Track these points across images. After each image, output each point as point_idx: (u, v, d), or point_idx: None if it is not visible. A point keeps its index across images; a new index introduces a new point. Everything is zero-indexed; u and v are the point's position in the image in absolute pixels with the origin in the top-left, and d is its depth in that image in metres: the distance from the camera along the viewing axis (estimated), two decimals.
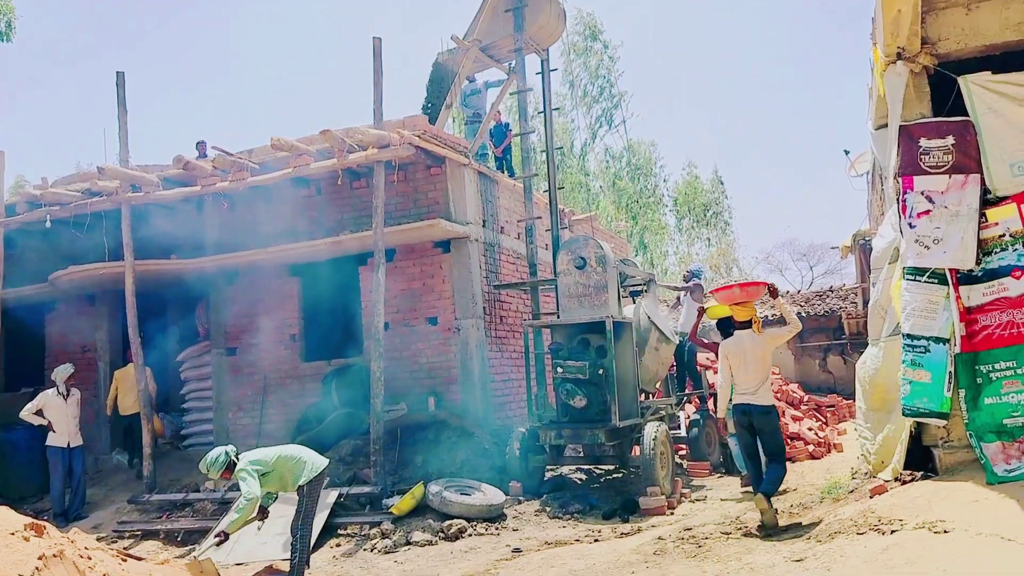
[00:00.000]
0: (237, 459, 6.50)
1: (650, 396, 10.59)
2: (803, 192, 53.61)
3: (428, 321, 10.60)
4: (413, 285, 10.70)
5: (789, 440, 10.79)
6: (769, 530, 6.35)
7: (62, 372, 10.32)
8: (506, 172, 12.99)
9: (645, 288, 11.07)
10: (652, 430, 8.64)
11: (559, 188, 11.78)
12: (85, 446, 10.60)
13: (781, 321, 13.13)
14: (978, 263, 5.99)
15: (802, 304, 19.15)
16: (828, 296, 19.71)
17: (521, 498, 8.73)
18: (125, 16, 59.65)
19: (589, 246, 9.53)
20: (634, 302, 10.58)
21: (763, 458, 6.80)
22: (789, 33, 56.39)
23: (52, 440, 10.12)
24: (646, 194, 31.78)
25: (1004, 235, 5.99)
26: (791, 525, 6.54)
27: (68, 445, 10.14)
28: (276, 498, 6.93)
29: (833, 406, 13.34)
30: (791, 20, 56.78)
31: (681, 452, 10.71)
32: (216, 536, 6.61)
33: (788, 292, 22.20)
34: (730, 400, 6.86)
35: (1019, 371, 5.81)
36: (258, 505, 6.37)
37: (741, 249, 35.76)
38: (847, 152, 13.43)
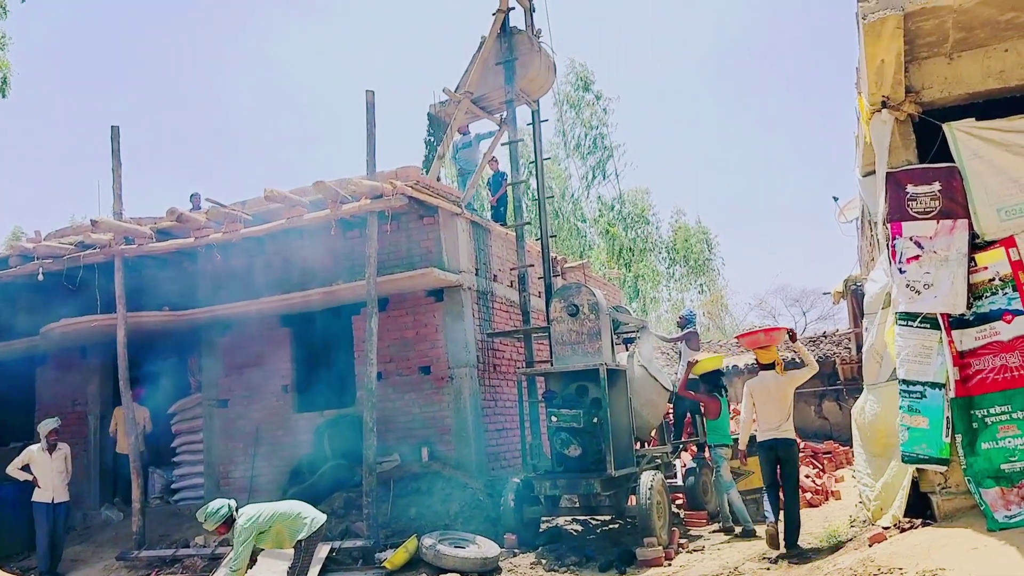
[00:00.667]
0: (237, 515, 6.41)
1: (645, 444, 10.50)
2: (794, 238, 54.06)
3: (421, 370, 10.55)
4: (406, 334, 10.67)
5: None
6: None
7: (45, 427, 10.19)
8: (504, 221, 13.08)
9: (639, 335, 11.08)
10: (648, 479, 8.54)
11: (551, 236, 11.86)
12: (73, 502, 10.42)
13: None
14: (969, 307, 6.01)
15: (796, 350, 19.12)
16: (822, 342, 19.67)
17: (516, 550, 8.58)
18: (120, 70, 60.52)
19: (582, 293, 9.53)
20: (627, 349, 10.56)
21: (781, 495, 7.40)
22: (776, 80, 57.48)
23: (37, 496, 9.95)
24: (639, 242, 31.95)
25: (994, 279, 6.02)
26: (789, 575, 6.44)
27: (52, 500, 9.96)
28: (263, 550, 6.81)
29: (830, 453, 13.23)
30: (778, 67, 57.93)
31: (678, 501, 10.58)
32: None
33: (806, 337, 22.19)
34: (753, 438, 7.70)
35: (1015, 415, 5.79)
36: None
37: (733, 295, 35.92)
38: (836, 199, 13.54)
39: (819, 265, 54.08)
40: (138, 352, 10.98)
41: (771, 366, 7.59)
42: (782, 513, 7.34)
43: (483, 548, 8.16)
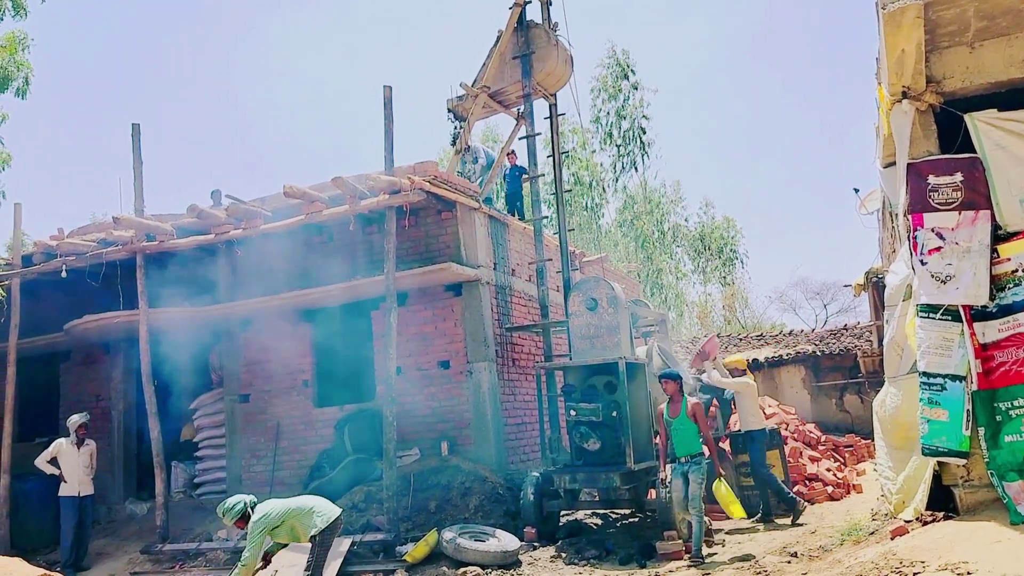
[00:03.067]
0: (253, 510, 6.50)
1: None
2: (815, 230, 53.55)
3: (440, 365, 10.59)
4: (425, 329, 10.72)
5: (807, 481, 10.63)
6: None
7: (74, 421, 10.34)
8: (522, 215, 13.08)
9: (657, 328, 11.06)
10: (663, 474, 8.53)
11: (569, 230, 11.84)
12: (98, 495, 10.56)
13: (794, 360, 13.46)
14: (992, 299, 5.93)
15: (816, 343, 18.99)
16: (843, 334, 19.53)
17: (536, 544, 8.61)
18: (140, 68, 60.99)
19: (600, 287, 9.54)
20: (646, 343, 10.55)
21: None
22: (797, 71, 56.96)
23: (64, 490, 10.11)
24: (665, 235, 31.71)
25: (1017, 270, 5.95)
26: (810, 569, 6.41)
27: (79, 494, 10.12)
28: (286, 544, 6.88)
29: (851, 446, 13.13)
30: (799, 58, 57.39)
31: None
32: None
33: (803, 331, 22.04)
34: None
35: None
36: (255, 569, 6.39)
37: (754, 288, 35.67)
38: (857, 190, 13.43)
39: (840, 257, 53.46)
40: (161, 347, 11.11)
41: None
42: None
43: (503, 541, 8.19)
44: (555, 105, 11.88)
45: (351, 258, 11.00)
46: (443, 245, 10.65)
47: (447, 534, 8.15)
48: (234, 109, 60.11)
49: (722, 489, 7.96)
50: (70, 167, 56.56)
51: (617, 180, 31.38)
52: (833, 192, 56.28)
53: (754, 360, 17.99)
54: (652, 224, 31.23)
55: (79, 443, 10.27)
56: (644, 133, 30.86)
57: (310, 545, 6.55)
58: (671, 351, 10.81)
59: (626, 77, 31.22)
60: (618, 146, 31.08)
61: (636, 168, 31.15)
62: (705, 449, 8.05)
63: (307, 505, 6.68)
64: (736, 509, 7.96)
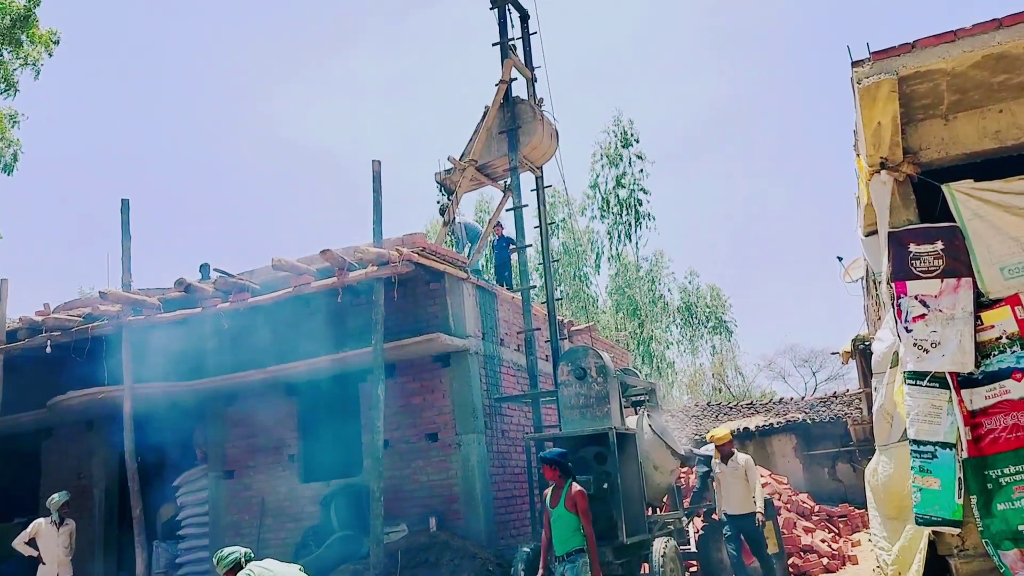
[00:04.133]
0: (247, 564, 6.36)
1: (657, 510, 10.32)
2: (802, 299, 54.01)
3: (428, 437, 10.47)
4: (413, 400, 10.63)
5: (802, 553, 10.46)
6: None
7: (57, 500, 10.10)
8: (510, 285, 13.15)
9: (647, 398, 11.00)
10: (661, 546, 8.38)
11: (557, 299, 11.90)
12: None
13: (785, 429, 13.42)
14: (977, 366, 5.95)
15: (806, 411, 18.94)
16: (833, 402, 19.51)
17: None
18: (129, 141, 61.76)
19: (589, 356, 9.51)
20: (636, 412, 10.48)
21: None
22: (778, 144, 58.28)
23: (42, 572, 9.81)
24: (655, 304, 31.80)
25: (1001, 337, 5.98)
26: None
27: None
28: None
29: (845, 516, 12.98)
30: (778, 131, 58.82)
31: (692, 568, 10.35)
32: None
33: (792, 399, 22.00)
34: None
35: None
36: None
37: (742, 357, 35.68)
38: (840, 259, 13.61)
39: (828, 325, 53.89)
40: (144, 424, 10.95)
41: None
42: None
43: None
44: (541, 178, 12.10)
45: (339, 330, 10.97)
46: (431, 316, 10.65)
47: None
48: (224, 183, 60.75)
49: None
50: (58, 242, 56.67)
51: (612, 248, 31.59)
52: (819, 261, 57.02)
53: (745, 429, 17.91)
54: (642, 294, 31.37)
55: (60, 522, 10.00)
56: (640, 205, 31.20)
57: None
58: (662, 421, 10.73)
59: (628, 146, 31.60)
60: (616, 215, 31.35)
61: (630, 238, 31.40)
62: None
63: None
64: None
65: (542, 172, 12.13)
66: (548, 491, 7.29)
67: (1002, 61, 5.73)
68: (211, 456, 11.71)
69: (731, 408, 21.08)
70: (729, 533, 9.10)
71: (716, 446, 9.23)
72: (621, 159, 31.40)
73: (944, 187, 6.26)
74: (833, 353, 21.28)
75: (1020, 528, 5.63)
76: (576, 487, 7.08)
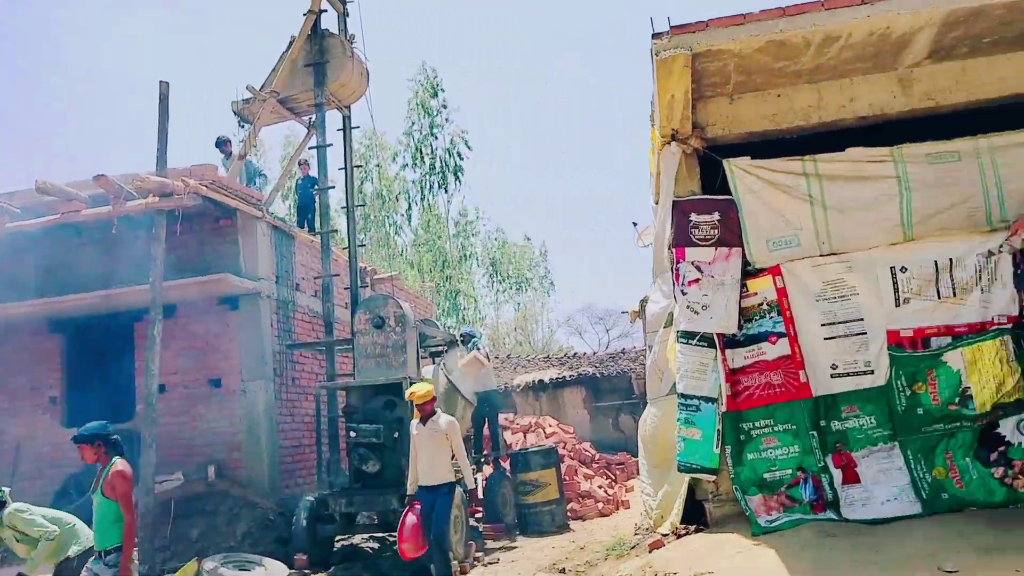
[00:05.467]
0: (8, 501, 5.79)
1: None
2: (605, 261, 56.76)
3: (211, 383, 9.94)
4: (196, 344, 10.02)
5: (580, 498, 11.06)
6: None
7: None
8: (313, 228, 12.63)
9: (446, 348, 11.07)
10: None
11: (360, 245, 11.61)
12: None
13: (576, 382, 13.92)
14: (740, 328, 6.48)
15: (597, 365, 19.97)
16: (620, 358, 20.71)
17: (307, 571, 8.26)
18: None
19: (388, 305, 9.40)
20: (434, 363, 10.53)
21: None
22: (592, 111, 60.25)
23: None
24: (466, 258, 32.00)
25: (762, 304, 6.53)
26: None
27: None
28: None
29: (623, 464, 13.88)
30: (591, 100, 60.77)
31: (477, 514, 10.65)
32: None
33: (585, 354, 23.11)
34: None
35: (775, 428, 6.30)
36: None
37: (546, 314, 37.02)
38: (635, 224, 14.29)
39: (624, 286, 57.11)
40: None
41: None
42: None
43: (270, 570, 7.78)
44: (349, 117, 11.67)
45: (113, 264, 10.04)
46: (220, 255, 10.03)
47: (208, 564, 7.60)
48: None
49: None
50: None
51: (423, 199, 31.23)
52: (620, 225, 60.04)
53: (539, 381, 18.61)
54: (452, 247, 31.48)
55: None
56: (461, 158, 31.02)
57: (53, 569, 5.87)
58: (458, 370, 10.84)
59: (435, 95, 31.29)
60: (429, 165, 30.99)
61: (445, 190, 31.19)
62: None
63: (69, 520, 6.02)
64: None
65: (350, 112, 11.70)
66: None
67: (783, 48, 6.13)
68: None
69: (528, 361, 21.80)
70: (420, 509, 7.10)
71: (415, 404, 7.30)
72: (432, 110, 31.11)
73: (725, 162, 6.68)
74: (623, 312, 22.56)
75: (765, 476, 6.25)
76: (118, 466, 5.12)
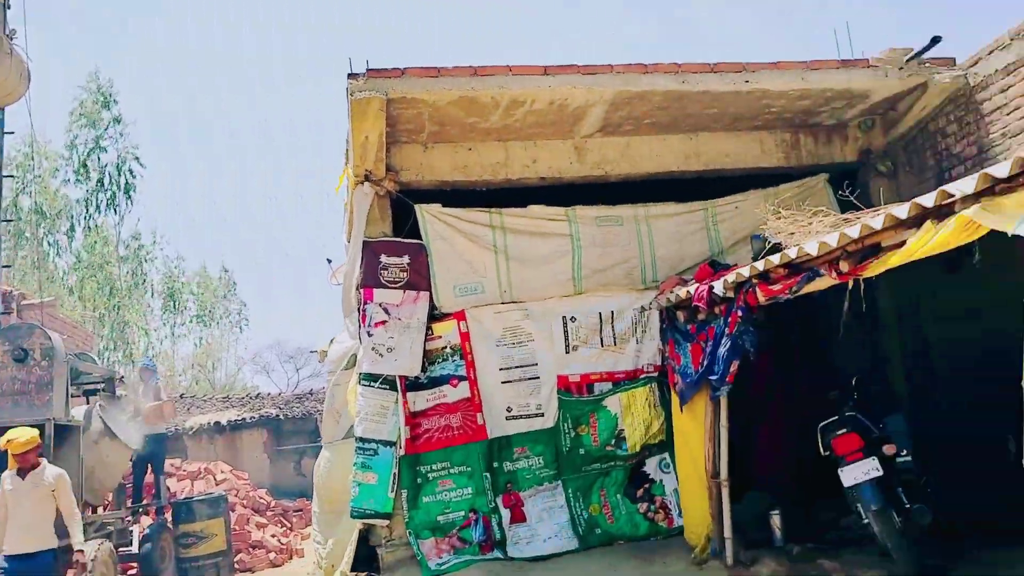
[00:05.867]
0: None
1: (98, 510, 9.32)
2: (294, 297, 55.14)
3: None
4: None
5: (251, 548, 10.45)
6: None
7: None
8: None
9: (103, 388, 9.96)
10: (92, 550, 7.52)
11: (5, 266, 10.07)
12: None
13: (257, 424, 13.28)
14: (424, 371, 6.58)
15: (281, 407, 19.19)
16: (307, 399, 20.13)
17: None
18: None
19: (34, 335, 8.27)
20: (89, 403, 9.40)
21: None
22: (288, 142, 58.95)
23: None
24: (139, 286, 29.03)
25: (446, 347, 6.71)
26: None
27: None
28: None
29: (301, 510, 13.37)
30: (294, 130, 59.52)
31: (130, 571, 9.56)
32: None
33: (269, 394, 22.10)
34: None
35: (452, 471, 6.45)
36: None
37: (230, 349, 34.80)
38: (330, 260, 14.05)
39: (317, 324, 55.85)
40: None
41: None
42: None
43: None
44: (2, 121, 10.16)
45: None
46: None
47: None
48: None
49: None
50: None
51: (89, 218, 27.89)
52: (314, 261, 58.99)
53: (216, 423, 17.40)
54: (122, 273, 28.47)
55: None
56: (133, 176, 28.15)
57: None
58: (117, 412, 9.75)
59: (107, 107, 28.40)
60: (97, 181, 27.79)
61: (114, 211, 28.11)
62: None
63: None
64: None
65: (3, 115, 10.18)
66: None
67: (475, 105, 6.45)
68: None
69: (205, 401, 20.34)
70: None
71: (12, 455, 6.26)
72: (101, 120, 28.23)
73: (417, 207, 6.82)
74: (312, 351, 22.03)
75: (439, 518, 6.34)
76: None
